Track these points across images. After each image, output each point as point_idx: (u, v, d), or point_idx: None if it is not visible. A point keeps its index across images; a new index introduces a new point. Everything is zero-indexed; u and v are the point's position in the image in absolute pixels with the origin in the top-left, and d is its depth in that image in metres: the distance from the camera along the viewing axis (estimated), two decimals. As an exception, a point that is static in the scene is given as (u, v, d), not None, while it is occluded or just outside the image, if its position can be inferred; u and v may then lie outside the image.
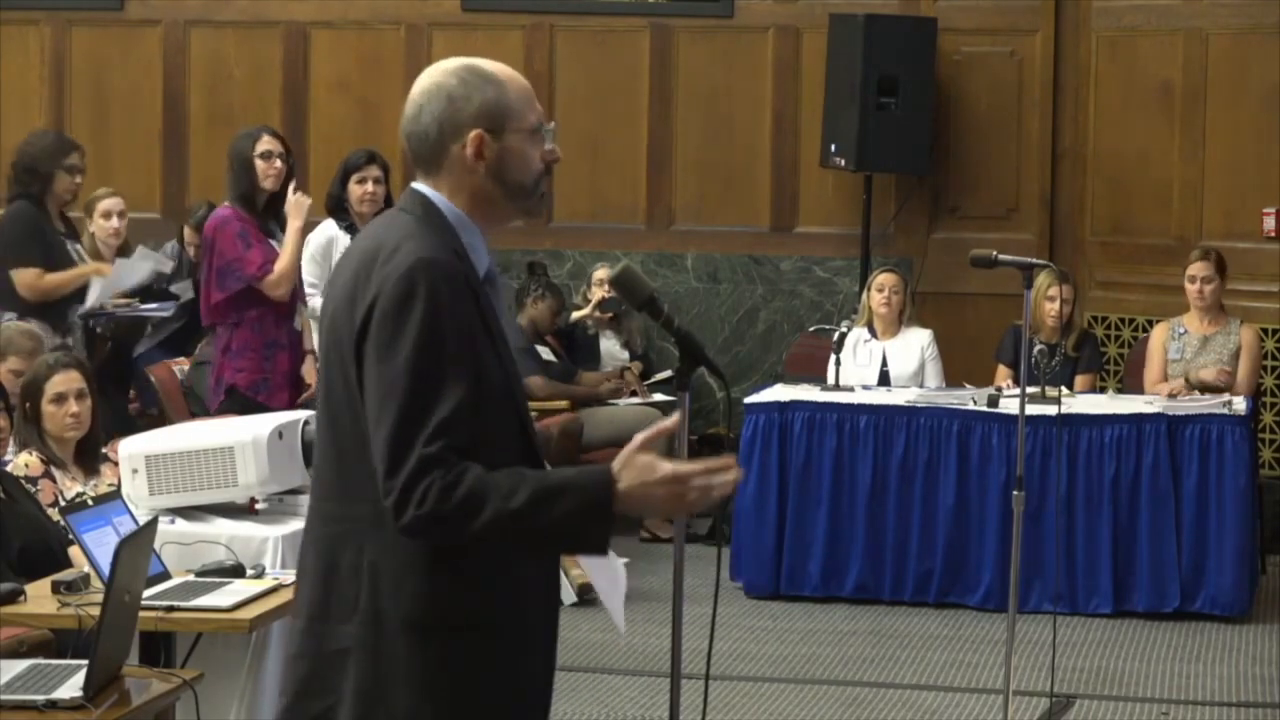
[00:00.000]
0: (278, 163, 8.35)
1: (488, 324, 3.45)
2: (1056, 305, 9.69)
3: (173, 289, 10.11)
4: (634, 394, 10.77)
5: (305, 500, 6.32)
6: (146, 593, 5.33)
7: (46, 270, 8.63)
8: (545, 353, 10.63)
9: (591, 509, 3.33)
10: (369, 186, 8.91)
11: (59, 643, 5.64)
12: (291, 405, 8.06)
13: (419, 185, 3.56)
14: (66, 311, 8.75)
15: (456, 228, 3.52)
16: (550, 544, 3.42)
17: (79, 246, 8.79)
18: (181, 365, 9.85)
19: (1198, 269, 9.74)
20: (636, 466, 3.34)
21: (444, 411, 3.31)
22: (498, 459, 3.36)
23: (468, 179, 3.52)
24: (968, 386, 9.66)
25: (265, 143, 8.39)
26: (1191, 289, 9.75)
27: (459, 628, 3.42)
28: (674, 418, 3.51)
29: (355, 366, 3.41)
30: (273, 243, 8.32)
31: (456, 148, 3.50)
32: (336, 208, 9.02)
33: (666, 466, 3.34)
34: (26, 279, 8.53)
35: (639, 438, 3.37)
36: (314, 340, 8.26)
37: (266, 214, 8.40)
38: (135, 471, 6.28)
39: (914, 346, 10.03)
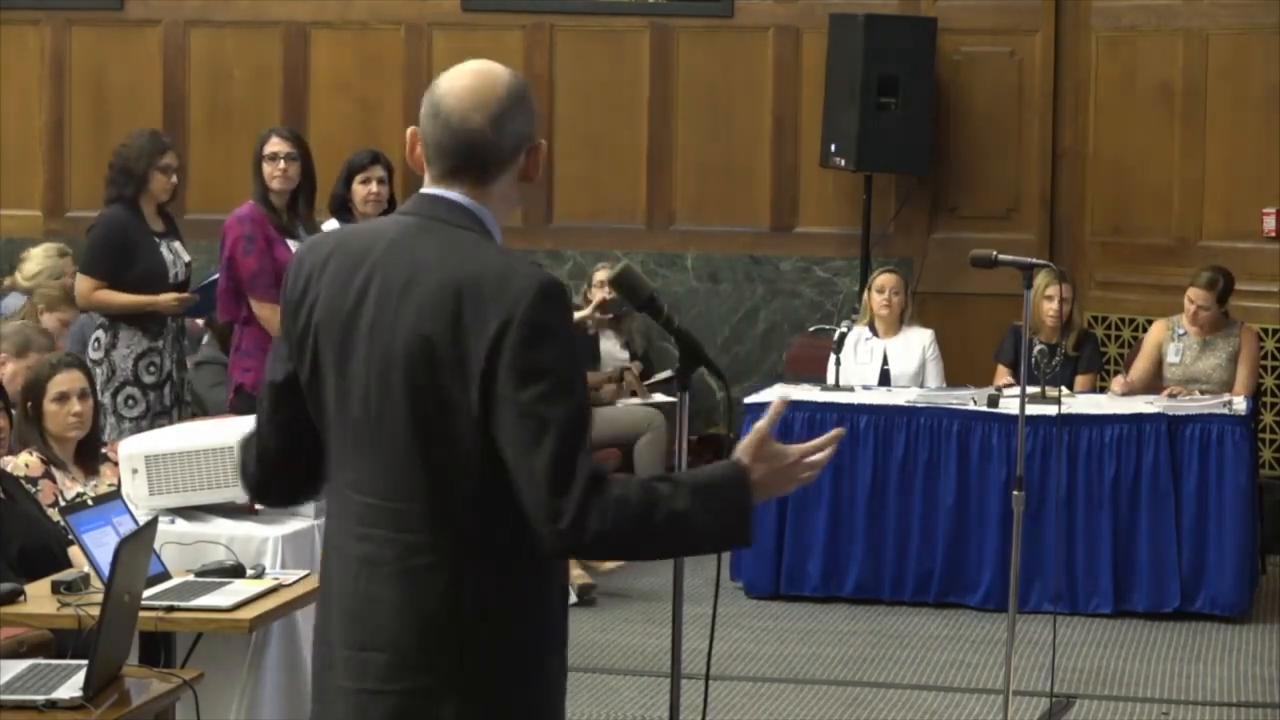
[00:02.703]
0: (282, 164, 8.36)
1: None
2: (1055, 304, 9.68)
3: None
4: (634, 394, 10.76)
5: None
6: (146, 593, 5.32)
7: (123, 280, 8.39)
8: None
9: (734, 506, 3.38)
10: (373, 187, 8.89)
11: (59, 643, 5.64)
12: None
13: (455, 195, 3.40)
14: (162, 317, 8.58)
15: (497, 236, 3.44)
16: (701, 545, 3.42)
17: (177, 245, 8.61)
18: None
19: (1196, 295, 9.60)
20: (767, 457, 3.43)
21: (589, 429, 3.28)
22: None
23: (508, 187, 3.42)
24: (968, 386, 9.66)
25: (271, 144, 8.42)
26: (1188, 307, 9.68)
27: (550, 646, 3.41)
28: (776, 404, 3.52)
29: (464, 392, 3.26)
30: (290, 242, 8.33)
31: (521, 158, 3.41)
32: (340, 208, 9.01)
33: (790, 452, 3.46)
34: (82, 288, 8.48)
35: (761, 425, 3.43)
36: None
37: (290, 213, 8.40)
38: (135, 471, 6.28)
39: (915, 346, 10.02)
